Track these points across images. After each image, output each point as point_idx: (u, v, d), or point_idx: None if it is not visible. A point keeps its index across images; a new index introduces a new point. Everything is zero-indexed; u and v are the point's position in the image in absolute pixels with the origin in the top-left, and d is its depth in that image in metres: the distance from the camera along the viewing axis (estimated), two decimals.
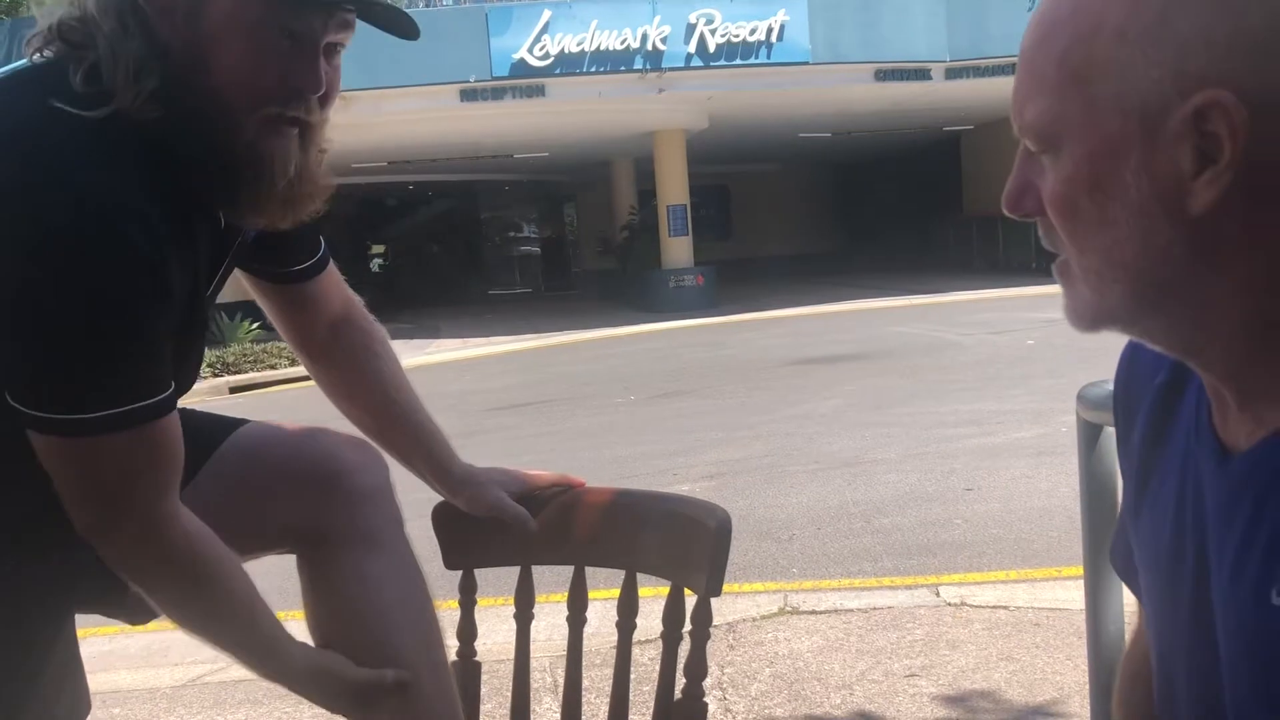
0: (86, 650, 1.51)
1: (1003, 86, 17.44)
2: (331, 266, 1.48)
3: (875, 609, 3.56)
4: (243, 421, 1.46)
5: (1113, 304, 0.73)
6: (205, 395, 12.15)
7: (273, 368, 13.12)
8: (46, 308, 1.03)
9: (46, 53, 1.13)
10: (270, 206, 1.19)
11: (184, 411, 1.45)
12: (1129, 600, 1.76)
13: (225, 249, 1.29)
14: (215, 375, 13.00)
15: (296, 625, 1.40)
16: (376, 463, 1.46)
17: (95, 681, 3.21)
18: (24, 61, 1.16)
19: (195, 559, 1.19)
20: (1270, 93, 0.64)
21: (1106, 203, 0.70)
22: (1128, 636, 1.87)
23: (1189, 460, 0.80)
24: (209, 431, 1.42)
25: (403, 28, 1.19)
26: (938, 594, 3.68)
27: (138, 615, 1.45)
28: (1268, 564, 0.70)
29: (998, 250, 20.70)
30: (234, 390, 12.57)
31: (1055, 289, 0.77)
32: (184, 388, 1.33)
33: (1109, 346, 0.82)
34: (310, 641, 1.40)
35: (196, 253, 1.20)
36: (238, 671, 3.42)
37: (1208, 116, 0.64)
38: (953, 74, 16.59)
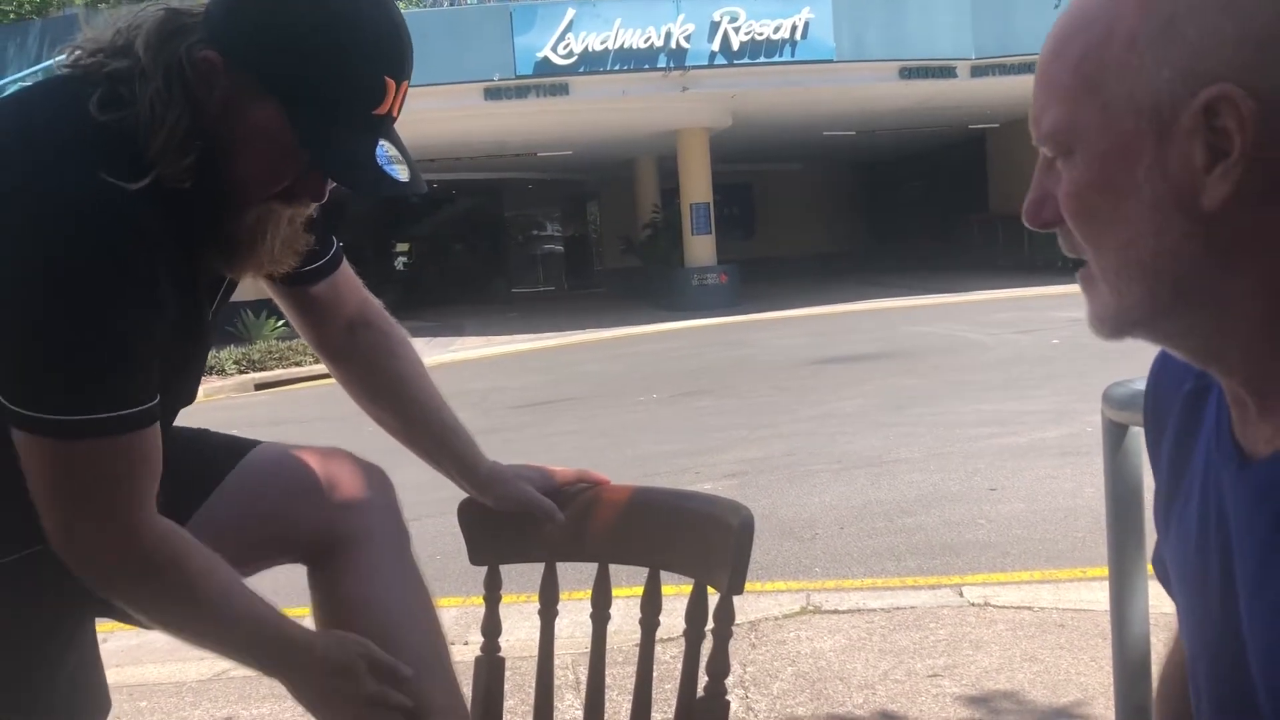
0: (113, 644, 1.53)
1: (1029, 85, 17.34)
2: (345, 267, 1.49)
3: (898, 609, 3.54)
4: (257, 442, 1.49)
5: (1131, 304, 0.74)
6: (231, 392, 12.24)
7: (297, 364, 13.17)
8: (43, 308, 1.05)
9: (82, 62, 1.15)
10: (253, 267, 1.25)
11: (201, 432, 1.47)
12: (1155, 602, 1.75)
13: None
14: (241, 372, 13.07)
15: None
16: (383, 482, 1.49)
17: (122, 675, 3.25)
18: (49, 64, 1.18)
19: (172, 560, 1.19)
20: (1278, 89, 0.65)
21: (1120, 201, 0.71)
22: (1154, 638, 1.86)
23: (1210, 469, 0.80)
24: (226, 451, 1.46)
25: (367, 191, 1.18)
26: (961, 594, 3.67)
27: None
28: None
29: (1023, 249, 20.56)
30: (259, 387, 12.62)
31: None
32: (187, 399, 1.35)
33: (1135, 346, 0.82)
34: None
35: (196, 270, 1.22)
36: None
37: (1217, 111, 0.66)
38: (978, 72, 16.50)
